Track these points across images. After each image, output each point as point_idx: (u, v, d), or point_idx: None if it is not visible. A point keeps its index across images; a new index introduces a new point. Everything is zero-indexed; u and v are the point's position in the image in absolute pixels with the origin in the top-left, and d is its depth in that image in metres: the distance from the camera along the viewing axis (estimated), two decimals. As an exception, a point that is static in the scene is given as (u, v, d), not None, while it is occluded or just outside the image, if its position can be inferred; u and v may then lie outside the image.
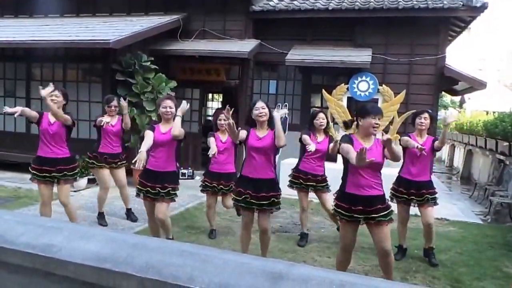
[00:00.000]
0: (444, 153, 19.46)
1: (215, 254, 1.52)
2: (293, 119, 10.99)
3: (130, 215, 7.08)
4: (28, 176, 6.05)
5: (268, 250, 5.73)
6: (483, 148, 12.42)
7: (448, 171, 17.40)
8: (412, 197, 5.64)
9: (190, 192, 8.71)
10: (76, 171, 6.01)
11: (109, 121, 6.61)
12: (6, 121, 10.65)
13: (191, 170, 10.85)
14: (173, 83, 10.00)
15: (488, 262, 5.81)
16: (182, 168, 10.59)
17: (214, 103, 16.30)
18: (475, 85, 10.36)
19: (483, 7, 9.62)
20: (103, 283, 1.54)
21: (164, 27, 10.51)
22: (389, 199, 5.66)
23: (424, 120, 5.67)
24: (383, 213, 4.23)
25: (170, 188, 5.17)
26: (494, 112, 16.45)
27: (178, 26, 10.89)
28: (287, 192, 8.84)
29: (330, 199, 6.28)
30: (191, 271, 1.44)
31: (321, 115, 6.34)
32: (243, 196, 4.80)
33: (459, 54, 26.21)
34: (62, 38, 9.51)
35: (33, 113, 5.88)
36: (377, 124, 4.21)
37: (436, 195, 5.71)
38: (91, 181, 8.73)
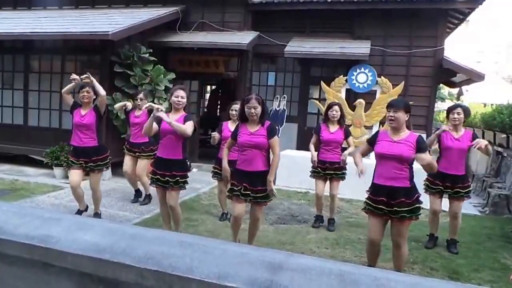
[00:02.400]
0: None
1: (214, 245, 1.51)
2: (291, 111, 11.00)
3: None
4: (25, 168, 6.11)
5: (266, 242, 5.76)
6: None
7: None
8: (447, 190, 5.76)
9: (188, 184, 8.72)
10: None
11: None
12: (3, 113, 10.62)
13: (188, 162, 10.82)
14: (172, 75, 9.97)
15: (486, 253, 5.84)
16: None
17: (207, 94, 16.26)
18: (473, 77, 10.36)
19: (482, -1, 9.61)
20: (101, 274, 1.54)
21: (163, 19, 10.46)
22: (424, 190, 5.78)
23: (457, 115, 5.71)
24: (407, 209, 4.28)
25: (178, 177, 5.31)
26: (492, 104, 16.42)
27: (177, 18, 10.86)
28: (284, 184, 8.91)
29: (339, 188, 6.50)
30: (190, 261, 1.43)
31: (336, 107, 6.53)
32: (238, 188, 4.84)
33: (458, 47, 26.19)
34: (60, 30, 9.47)
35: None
36: (391, 116, 4.32)
37: (470, 189, 5.87)
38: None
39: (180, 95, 5.32)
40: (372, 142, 4.56)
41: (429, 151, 4.69)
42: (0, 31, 9.78)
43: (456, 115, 5.70)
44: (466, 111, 5.89)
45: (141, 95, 7.26)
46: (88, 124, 6.07)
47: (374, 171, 4.50)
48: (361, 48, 9.98)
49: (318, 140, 6.54)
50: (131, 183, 7.60)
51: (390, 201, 4.29)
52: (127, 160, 7.39)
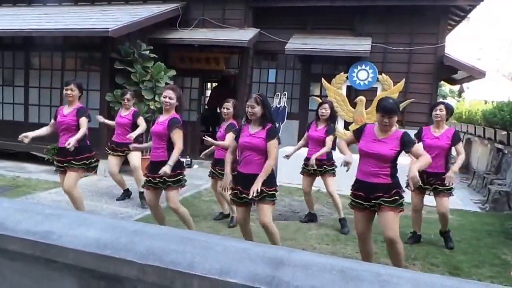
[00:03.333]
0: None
1: (215, 241, 1.52)
2: (292, 108, 10.99)
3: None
4: (26, 165, 6.07)
5: (267, 238, 5.75)
6: (481, 137, 12.41)
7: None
8: (426, 186, 5.74)
9: (188, 180, 8.71)
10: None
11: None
12: (4, 110, 10.62)
13: (189, 159, 10.84)
14: (172, 72, 9.96)
15: (487, 249, 5.85)
16: (180, 157, 10.59)
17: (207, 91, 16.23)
18: (474, 74, 10.35)
19: (483, -4, 9.59)
20: (103, 270, 1.54)
21: (163, 16, 10.45)
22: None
23: (439, 111, 5.73)
24: (385, 199, 4.24)
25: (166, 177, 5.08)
26: (492, 102, 16.41)
27: (177, 15, 10.84)
28: (285, 181, 8.92)
29: (333, 184, 6.42)
30: (192, 257, 1.43)
31: (325, 105, 6.46)
32: (235, 192, 4.74)
33: (458, 44, 26.14)
34: (60, 26, 9.47)
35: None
36: (386, 122, 4.21)
37: (452, 186, 5.79)
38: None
39: (168, 95, 5.09)
40: (358, 136, 4.46)
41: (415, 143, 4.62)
42: (0, 27, 9.77)
43: (438, 111, 5.73)
44: (449, 108, 5.88)
45: (127, 95, 7.19)
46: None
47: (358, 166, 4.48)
48: (362, 45, 9.96)
49: (307, 136, 6.59)
50: (120, 183, 7.39)
51: (369, 196, 4.27)
52: (113, 161, 7.16)
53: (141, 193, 7.01)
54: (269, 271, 1.32)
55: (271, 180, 4.65)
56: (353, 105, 9.46)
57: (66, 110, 5.79)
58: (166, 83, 9.72)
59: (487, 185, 9.46)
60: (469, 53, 28.65)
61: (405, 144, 4.22)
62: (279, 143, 4.67)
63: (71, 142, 5.40)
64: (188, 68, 11.18)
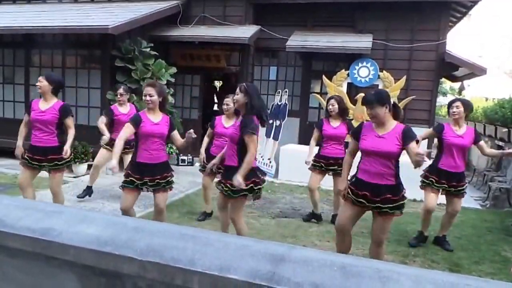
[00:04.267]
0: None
1: (216, 237, 1.52)
2: (293, 105, 10.98)
3: None
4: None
5: (268, 236, 5.77)
6: (482, 135, 12.41)
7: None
8: (443, 186, 5.61)
9: (190, 178, 8.76)
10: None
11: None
12: (5, 108, 10.63)
13: (190, 157, 10.85)
14: (173, 69, 9.96)
15: (487, 246, 5.86)
16: (181, 154, 10.60)
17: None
18: (475, 71, 10.32)
19: (484, -8, 9.56)
20: (103, 267, 1.54)
21: (163, 13, 10.44)
22: (420, 187, 5.73)
23: (456, 108, 5.56)
24: (390, 205, 4.13)
25: (161, 178, 4.98)
26: (493, 99, 16.41)
27: (177, 12, 10.83)
28: (286, 178, 8.92)
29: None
30: (192, 254, 1.43)
31: (331, 101, 6.36)
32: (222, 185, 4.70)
33: (460, 41, 26.09)
34: (60, 24, 9.46)
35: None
36: (369, 114, 4.18)
37: (466, 186, 5.76)
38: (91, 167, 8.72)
39: (148, 93, 4.81)
40: (356, 136, 4.33)
41: (418, 141, 4.50)
42: (0, 25, 9.77)
43: (455, 109, 5.55)
44: (466, 104, 5.65)
45: (121, 90, 7.02)
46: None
47: (358, 165, 4.37)
48: (363, 42, 9.95)
49: (320, 135, 6.40)
50: (93, 178, 7.25)
51: (373, 198, 4.15)
52: (103, 155, 7.06)
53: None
54: (269, 267, 1.32)
55: (248, 174, 4.48)
56: (354, 102, 9.45)
57: (43, 105, 5.48)
58: (168, 81, 9.73)
59: (488, 182, 9.47)
60: (470, 50, 28.61)
61: (407, 138, 4.03)
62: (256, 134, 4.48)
63: (67, 151, 5.37)
64: (189, 66, 11.18)
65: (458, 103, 5.61)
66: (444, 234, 5.89)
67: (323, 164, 6.37)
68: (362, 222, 6.59)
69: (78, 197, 7.18)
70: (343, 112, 6.36)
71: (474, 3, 10.14)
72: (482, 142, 5.63)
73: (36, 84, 5.56)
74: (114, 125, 6.95)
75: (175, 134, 5.06)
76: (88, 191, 7.31)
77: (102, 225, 1.67)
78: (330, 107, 6.29)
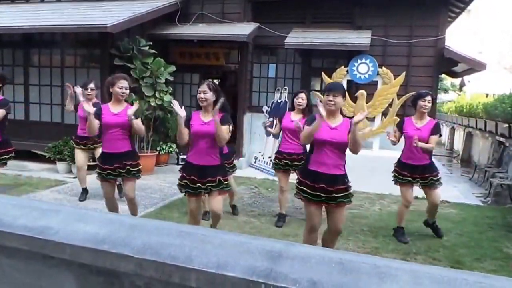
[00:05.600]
0: (444, 136, 19.46)
1: (213, 234, 1.51)
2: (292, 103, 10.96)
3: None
4: (28, 163, 6.08)
5: (269, 234, 5.76)
6: (483, 130, 12.40)
7: (448, 154, 17.40)
8: (417, 180, 5.69)
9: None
10: None
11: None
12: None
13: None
14: (172, 68, 9.95)
15: (488, 243, 5.84)
16: (181, 153, 10.59)
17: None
18: (475, 66, 10.31)
19: (483, -13, 9.54)
20: (100, 265, 1.53)
21: (162, 11, 10.43)
22: (393, 182, 5.74)
23: (428, 103, 5.60)
24: (344, 194, 4.30)
25: (129, 166, 5.16)
26: (494, 94, 16.41)
27: (176, 10, 10.82)
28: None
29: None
30: (189, 251, 1.43)
31: (301, 95, 6.25)
32: (184, 181, 4.67)
33: (459, 37, 26.07)
34: (59, 23, 9.46)
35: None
36: (330, 101, 4.22)
37: (439, 176, 5.76)
38: (90, 168, 8.72)
39: (124, 86, 5.11)
40: (310, 123, 4.32)
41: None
42: (-1, 25, 9.78)
43: (427, 103, 5.59)
44: (434, 99, 5.84)
45: (91, 85, 6.96)
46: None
47: (308, 156, 4.45)
48: (362, 38, 9.93)
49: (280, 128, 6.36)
50: (83, 179, 7.31)
51: (329, 188, 4.24)
52: (80, 154, 7.18)
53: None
54: (267, 264, 1.31)
55: (224, 169, 4.75)
56: (354, 99, 9.43)
57: None
58: (167, 79, 9.72)
59: (489, 179, 9.46)
60: (470, 46, 28.59)
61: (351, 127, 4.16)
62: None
63: None
64: (188, 64, 11.17)
65: (430, 98, 5.65)
66: (433, 220, 5.96)
67: (284, 161, 6.28)
68: (363, 220, 6.63)
69: (80, 200, 7.22)
70: (307, 107, 6.23)
71: (473, -2, 10.14)
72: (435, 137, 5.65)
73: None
74: (80, 122, 7.09)
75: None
76: (85, 192, 7.35)
77: (99, 223, 1.66)
78: (300, 101, 6.17)
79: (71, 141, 7.39)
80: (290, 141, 6.24)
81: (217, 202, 4.77)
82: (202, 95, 4.51)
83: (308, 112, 6.14)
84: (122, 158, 5.14)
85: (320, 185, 4.25)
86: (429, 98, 5.63)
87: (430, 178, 5.66)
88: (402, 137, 5.82)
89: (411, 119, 5.75)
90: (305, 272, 1.26)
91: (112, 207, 5.48)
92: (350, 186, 4.40)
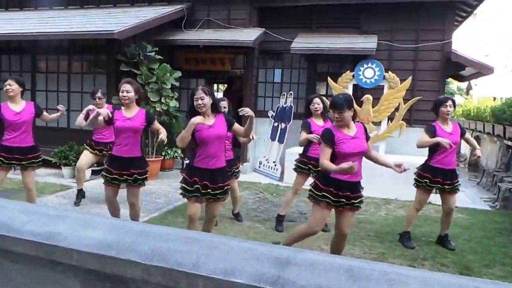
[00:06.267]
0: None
1: (220, 241, 1.50)
2: (298, 108, 10.93)
3: None
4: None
5: (274, 239, 5.74)
6: (490, 134, 12.35)
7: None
8: (445, 184, 5.63)
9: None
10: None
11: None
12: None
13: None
14: (178, 73, 9.97)
15: (497, 248, 5.79)
16: (186, 159, 10.59)
17: (220, 93, 16.25)
18: (482, 70, 10.28)
19: (490, -9, 9.51)
20: (107, 271, 1.53)
21: (168, 17, 10.47)
22: (415, 185, 5.80)
23: (450, 108, 5.63)
24: (360, 200, 4.47)
25: (136, 174, 5.20)
26: (501, 98, 16.32)
27: (182, 16, 10.86)
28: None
29: None
30: (197, 257, 1.42)
31: (316, 100, 6.25)
32: (195, 186, 4.60)
33: (466, 40, 26.01)
34: (66, 30, 9.52)
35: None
36: (337, 117, 4.34)
37: (459, 182, 5.82)
38: (95, 172, 8.75)
39: (125, 89, 5.12)
40: (331, 143, 4.33)
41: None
42: (7, 31, 9.84)
43: (449, 108, 5.61)
44: (455, 103, 5.85)
45: (99, 94, 7.08)
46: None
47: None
48: (368, 43, 9.93)
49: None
50: (80, 179, 7.34)
51: (353, 195, 4.39)
52: (86, 157, 7.22)
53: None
54: (274, 270, 1.30)
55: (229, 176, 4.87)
56: (360, 103, 9.42)
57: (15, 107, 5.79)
58: (173, 85, 9.74)
59: (497, 183, 9.40)
60: (477, 50, 28.50)
61: (368, 135, 4.48)
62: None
63: None
64: (194, 69, 11.19)
65: (451, 102, 5.69)
66: (446, 233, 5.88)
67: (311, 166, 6.23)
68: (369, 225, 6.60)
69: (74, 204, 7.25)
70: (324, 111, 6.24)
71: (479, 2, 10.10)
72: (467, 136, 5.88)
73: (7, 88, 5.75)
74: (94, 128, 7.09)
75: (155, 124, 5.34)
76: (80, 194, 7.37)
77: (106, 229, 1.66)
78: (316, 106, 6.17)
79: (84, 144, 7.39)
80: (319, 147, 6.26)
81: (218, 208, 4.96)
82: (200, 102, 4.49)
83: (326, 113, 6.22)
84: (131, 165, 5.17)
85: (346, 193, 4.36)
86: (449, 103, 5.66)
87: (456, 182, 5.67)
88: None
89: (439, 125, 5.70)
90: (313, 279, 1.25)
91: (114, 210, 5.49)
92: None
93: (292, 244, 4.77)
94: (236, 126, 4.72)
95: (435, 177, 5.61)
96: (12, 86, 5.70)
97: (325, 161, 4.33)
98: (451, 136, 5.57)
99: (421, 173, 5.74)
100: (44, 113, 6.13)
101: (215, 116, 4.60)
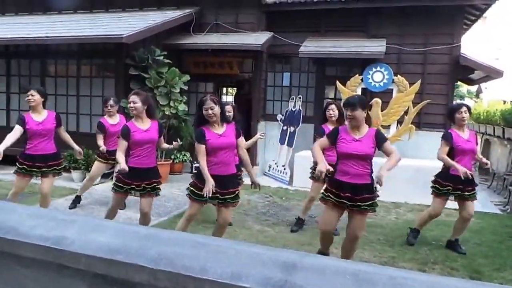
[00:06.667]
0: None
1: (227, 245, 1.50)
2: (307, 112, 10.93)
3: None
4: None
5: (284, 243, 5.74)
6: (501, 138, 12.27)
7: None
8: (456, 192, 5.62)
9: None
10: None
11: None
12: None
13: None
14: (186, 77, 10.00)
15: (508, 252, 5.75)
16: (195, 162, 10.60)
17: (229, 97, 16.26)
18: (492, 73, 10.22)
19: (498, -6, 9.47)
20: (115, 275, 1.53)
21: (177, 21, 10.50)
22: (432, 193, 5.81)
23: (465, 114, 5.61)
24: (369, 203, 4.46)
25: (156, 183, 5.23)
26: (511, 101, 16.22)
27: (191, 20, 10.88)
28: (300, 185, 8.88)
29: None
30: (204, 262, 1.42)
31: (332, 106, 6.28)
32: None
33: (475, 44, 25.87)
34: (75, 34, 9.57)
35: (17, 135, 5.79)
36: (349, 115, 4.45)
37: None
38: (104, 176, 8.77)
39: (132, 101, 5.10)
40: (333, 140, 4.58)
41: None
42: (17, 36, 9.93)
43: (464, 114, 5.59)
44: (470, 109, 5.82)
45: (111, 102, 7.13)
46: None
47: (335, 167, 4.62)
48: (377, 46, 9.90)
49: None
50: (86, 188, 7.47)
51: (354, 197, 4.42)
52: (99, 168, 7.25)
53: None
54: (281, 275, 1.30)
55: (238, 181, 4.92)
56: (369, 107, 9.38)
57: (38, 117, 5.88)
58: (181, 89, 9.77)
59: (508, 187, 9.33)
60: (487, 53, 28.36)
61: (380, 140, 4.46)
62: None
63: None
64: (202, 73, 11.22)
65: (466, 109, 5.67)
66: (457, 237, 5.84)
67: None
68: (379, 229, 6.57)
69: (69, 208, 7.30)
70: (341, 118, 6.15)
71: (488, 5, 10.03)
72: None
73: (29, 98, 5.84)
74: (106, 137, 7.08)
75: (161, 138, 5.46)
76: (77, 200, 7.46)
77: (113, 233, 1.66)
78: (331, 112, 6.20)
79: (96, 156, 7.41)
80: (330, 153, 6.28)
81: (230, 213, 4.99)
82: (210, 112, 4.57)
83: (342, 122, 6.17)
84: (149, 175, 5.19)
85: (346, 194, 4.44)
86: (464, 109, 5.64)
87: (474, 188, 5.66)
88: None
89: (456, 132, 5.67)
90: (320, 284, 1.25)
91: (114, 217, 5.52)
92: (377, 195, 4.53)
93: (325, 248, 4.96)
94: (239, 140, 4.84)
95: (457, 184, 5.56)
96: (34, 96, 5.81)
97: (316, 147, 4.62)
98: (468, 143, 5.58)
99: (441, 182, 5.70)
100: (61, 127, 6.24)
101: (224, 125, 4.70)
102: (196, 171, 5.27)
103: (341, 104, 4.62)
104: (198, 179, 4.74)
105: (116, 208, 5.50)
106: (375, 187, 4.48)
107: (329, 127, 6.23)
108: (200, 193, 4.62)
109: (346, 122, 4.57)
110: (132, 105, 5.09)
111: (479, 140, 5.83)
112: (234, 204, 4.88)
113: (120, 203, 5.44)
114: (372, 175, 4.47)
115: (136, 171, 5.06)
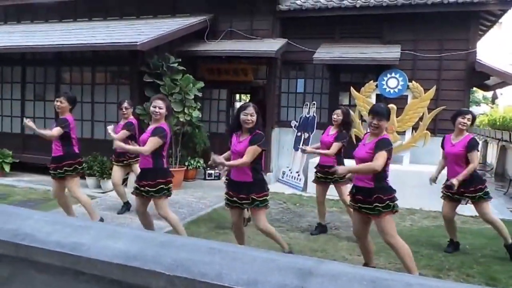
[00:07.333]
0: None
1: (243, 251, 1.50)
2: (321, 118, 10.88)
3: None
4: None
5: (298, 249, 5.72)
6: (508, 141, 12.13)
7: (481, 167, 17.03)
8: (456, 195, 5.68)
9: (216, 192, 8.74)
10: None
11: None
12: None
13: (218, 171, 10.84)
14: (201, 84, 10.03)
15: (524, 259, 5.67)
16: (208, 168, 10.63)
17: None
18: (507, 79, 10.12)
19: (514, 0, 9.39)
20: (131, 281, 1.54)
21: (191, 28, 10.56)
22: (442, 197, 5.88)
23: (467, 120, 5.65)
24: (370, 206, 4.48)
25: (163, 185, 5.23)
26: (527, 107, 16.04)
27: (205, 27, 10.93)
28: (315, 191, 8.78)
29: (346, 191, 6.33)
30: (220, 268, 1.42)
31: (338, 111, 6.46)
32: (226, 196, 5.04)
33: (491, 50, 25.66)
34: (90, 41, 9.66)
35: None
36: (375, 124, 4.46)
37: (487, 189, 5.70)
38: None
39: (157, 105, 5.15)
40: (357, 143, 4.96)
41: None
42: (32, 43, 10.05)
43: (466, 120, 5.64)
44: (475, 118, 5.93)
45: (125, 104, 7.27)
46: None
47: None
48: (391, 52, 9.86)
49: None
50: (121, 195, 7.55)
51: (366, 199, 4.49)
52: (116, 171, 7.41)
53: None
54: (297, 281, 1.30)
55: (261, 186, 4.86)
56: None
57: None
58: (195, 95, 9.81)
59: (524, 193, 9.22)
60: (502, 59, 28.11)
61: (377, 147, 4.40)
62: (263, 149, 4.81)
63: None
64: (217, 80, 11.25)
65: (470, 116, 5.73)
66: (508, 239, 5.75)
67: (321, 174, 6.52)
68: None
69: (118, 213, 7.45)
70: (346, 125, 6.42)
71: (504, 11, 9.95)
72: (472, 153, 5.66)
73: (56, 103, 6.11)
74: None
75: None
76: (126, 206, 7.57)
77: (130, 240, 1.67)
78: (335, 116, 6.38)
79: (111, 161, 7.60)
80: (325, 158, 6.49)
81: (258, 220, 4.99)
82: (249, 117, 4.66)
83: (344, 128, 6.37)
84: (148, 176, 5.29)
85: (357, 196, 4.58)
86: (469, 116, 5.68)
87: (476, 190, 5.60)
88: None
89: (449, 137, 5.83)
90: (337, 291, 1.24)
91: (147, 223, 5.56)
92: (379, 199, 4.46)
93: (368, 255, 5.06)
94: (248, 148, 4.77)
95: (445, 185, 5.71)
96: (62, 103, 6.07)
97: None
98: (452, 147, 5.69)
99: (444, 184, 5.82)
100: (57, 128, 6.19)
101: (249, 134, 4.73)
102: (226, 180, 5.42)
103: (368, 111, 4.65)
104: (227, 186, 5.05)
105: (141, 212, 5.53)
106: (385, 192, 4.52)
107: (329, 129, 6.40)
108: (230, 199, 4.89)
109: (369, 129, 4.63)
110: (157, 110, 5.14)
111: (480, 146, 5.81)
112: (260, 208, 4.90)
113: (138, 205, 5.45)
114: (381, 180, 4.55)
115: (140, 172, 5.36)
